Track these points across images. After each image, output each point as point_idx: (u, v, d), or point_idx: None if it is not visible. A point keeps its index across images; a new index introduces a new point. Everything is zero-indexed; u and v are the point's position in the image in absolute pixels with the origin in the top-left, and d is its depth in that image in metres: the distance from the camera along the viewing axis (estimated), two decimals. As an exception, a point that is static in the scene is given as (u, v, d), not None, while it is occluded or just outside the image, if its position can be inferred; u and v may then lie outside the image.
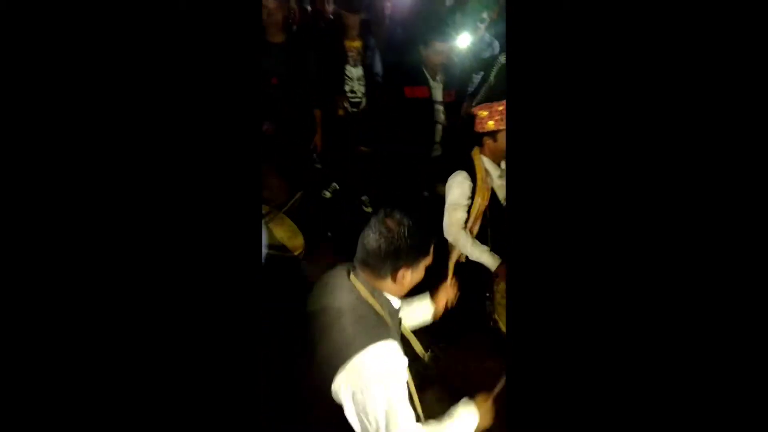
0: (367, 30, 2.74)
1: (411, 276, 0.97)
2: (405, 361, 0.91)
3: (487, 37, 2.85)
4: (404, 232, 0.92)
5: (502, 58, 2.19)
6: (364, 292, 0.96)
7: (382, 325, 0.92)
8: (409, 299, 1.19)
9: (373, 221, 0.96)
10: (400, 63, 2.32)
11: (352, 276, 1.00)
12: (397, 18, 3.01)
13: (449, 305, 1.25)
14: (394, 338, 0.91)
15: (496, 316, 1.43)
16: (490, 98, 2.29)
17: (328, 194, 2.94)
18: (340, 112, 2.66)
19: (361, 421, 0.84)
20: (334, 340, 0.89)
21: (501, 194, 1.56)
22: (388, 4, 2.90)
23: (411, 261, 0.95)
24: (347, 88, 2.87)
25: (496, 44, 2.87)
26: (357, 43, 2.72)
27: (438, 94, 2.11)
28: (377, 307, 0.95)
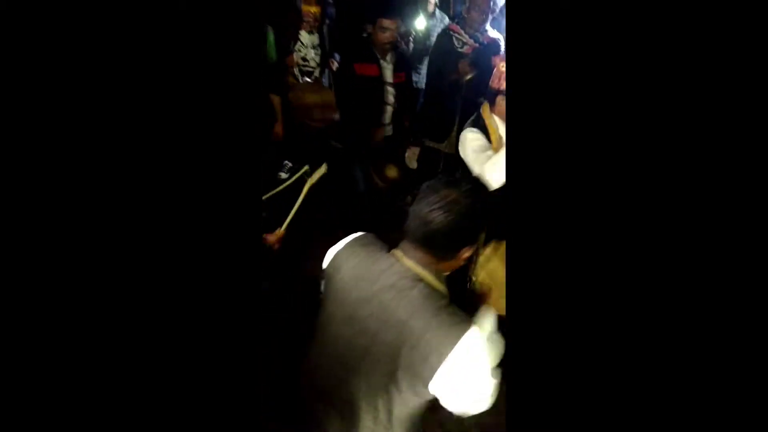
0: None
1: (470, 251, 0.85)
2: None
3: (438, 14, 2.84)
4: (472, 202, 0.78)
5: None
6: (430, 279, 0.81)
7: (458, 310, 0.80)
8: None
9: (430, 193, 0.79)
10: (350, 40, 2.25)
11: (405, 259, 0.83)
12: None
13: None
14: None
15: (473, 276, 1.34)
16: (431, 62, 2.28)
17: (284, 175, 2.86)
18: (290, 80, 2.58)
19: (465, 404, 0.78)
20: (418, 338, 0.75)
21: None
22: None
23: (475, 237, 0.83)
24: (300, 55, 2.78)
25: (447, 21, 2.87)
26: (315, 9, 2.61)
27: (388, 74, 2.10)
28: (445, 291, 0.83)
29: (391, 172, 2.24)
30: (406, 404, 0.80)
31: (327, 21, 2.65)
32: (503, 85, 1.38)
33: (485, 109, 1.46)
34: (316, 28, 2.68)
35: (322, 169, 1.34)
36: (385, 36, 1.97)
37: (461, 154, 1.46)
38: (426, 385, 0.75)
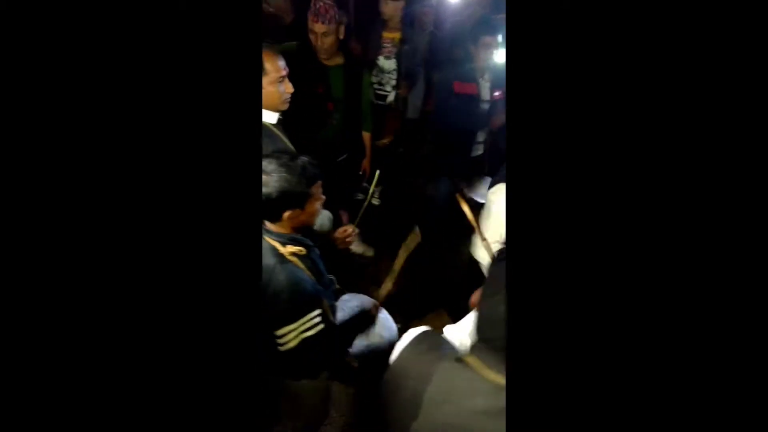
0: (408, 22, 2.68)
1: None
2: None
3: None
4: None
5: None
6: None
7: None
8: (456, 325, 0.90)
9: (502, 284, 0.63)
10: (450, 59, 2.27)
11: (488, 371, 0.65)
12: (443, 17, 2.97)
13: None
14: None
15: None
16: None
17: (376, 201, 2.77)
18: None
19: None
20: None
21: None
22: (431, 9, 2.88)
23: None
24: (375, 79, 2.78)
25: None
26: (396, 35, 2.64)
27: (485, 92, 2.06)
28: None
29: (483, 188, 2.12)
30: None
31: (405, 46, 2.67)
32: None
33: None
34: (394, 54, 2.70)
35: (417, 237, 1.32)
36: (488, 52, 1.95)
37: (490, 206, 1.34)
38: None
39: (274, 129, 1.42)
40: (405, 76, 2.73)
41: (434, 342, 0.75)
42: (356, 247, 1.60)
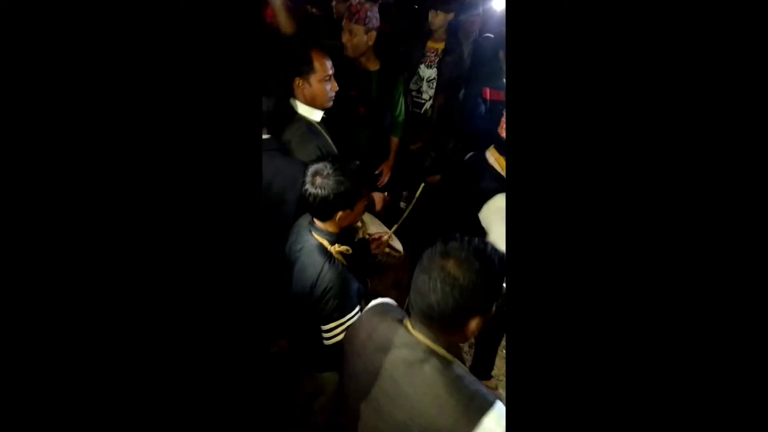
0: (453, 32, 2.71)
1: (481, 321, 0.77)
2: None
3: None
4: (473, 275, 0.72)
5: None
6: (442, 352, 0.77)
7: (472, 384, 0.75)
8: None
9: (427, 263, 0.76)
10: (483, 67, 2.31)
11: (414, 331, 0.80)
12: (487, 26, 3.00)
13: None
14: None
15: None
16: None
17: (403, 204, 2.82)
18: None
19: None
20: (431, 422, 0.72)
21: None
22: (478, 17, 2.90)
23: (486, 308, 0.76)
24: (414, 87, 2.82)
25: None
26: (440, 45, 2.68)
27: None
28: (459, 362, 0.78)
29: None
30: None
31: (447, 57, 2.70)
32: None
33: (497, 157, 1.45)
34: (435, 63, 2.73)
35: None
36: None
37: (484, 216, 1.43)
38: None
39: (319, 127, 1.47)
40: (446, 84, 2.76)
41: (389, 308, 0.90)
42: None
